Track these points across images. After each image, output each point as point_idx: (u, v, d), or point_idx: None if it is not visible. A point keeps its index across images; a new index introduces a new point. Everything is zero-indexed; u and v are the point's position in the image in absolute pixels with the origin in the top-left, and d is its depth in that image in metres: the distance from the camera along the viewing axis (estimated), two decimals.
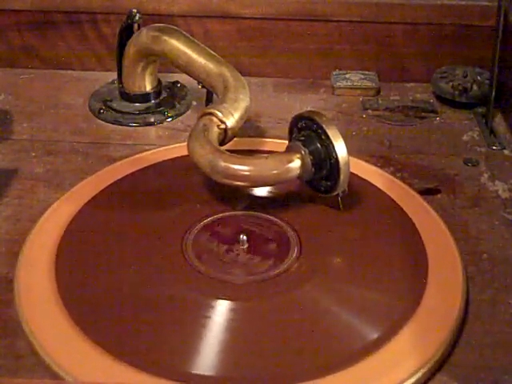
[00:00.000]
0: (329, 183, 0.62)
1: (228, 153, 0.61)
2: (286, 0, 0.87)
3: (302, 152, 0.61)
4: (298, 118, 0.64)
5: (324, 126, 0.61)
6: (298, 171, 0.61)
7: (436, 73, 0.86)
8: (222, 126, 0.65)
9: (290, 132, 0.65)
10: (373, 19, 0.87)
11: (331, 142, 0.61)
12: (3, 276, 0.58)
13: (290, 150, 0.63)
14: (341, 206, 0.63)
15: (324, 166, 0.62)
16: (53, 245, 0.59)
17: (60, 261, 0.58)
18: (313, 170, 0.62)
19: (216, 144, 0.63)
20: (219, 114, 0.65)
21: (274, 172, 0.61)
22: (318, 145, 0.61)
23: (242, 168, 0.60)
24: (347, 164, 0.61)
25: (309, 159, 0.61)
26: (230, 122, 0.65)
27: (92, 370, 0.49)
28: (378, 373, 0.49)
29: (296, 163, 0.61)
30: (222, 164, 0.60)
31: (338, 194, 0.63)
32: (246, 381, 0.49)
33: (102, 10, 0.88)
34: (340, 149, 0.61)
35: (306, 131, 0.63)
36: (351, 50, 0.89)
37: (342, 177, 0.61)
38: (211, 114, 0.65)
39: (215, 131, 0.64)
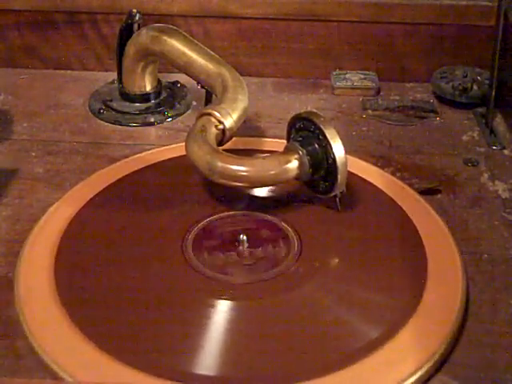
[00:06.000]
0: (327, 184, 0.62)
1: (226, 153, 0.61)
2: (286, 0, 0.87)
3: (300, 153, 0.61)
4: (296, 119, 0.64)
5: (322, 126, 0.61)
6: (296, 172, 0.61)
7: (436, 73, 0.86)
8: (220, 127, 0.65)
9: (288, 132, 0.65)
10: (373, 19, 0.87)
11: (329, 143, 0.61)
12: (3, 276, 0.58)
13: (287, 150, 0.63)
14: (339, 207, 0.63)
15: (322, 166, 0.62)
16: (53, 245, 0.59)
17: (60, 261, 0.58)
18: (310, 170, 0.62)
19: (214, 144, 0.63)
20: (217, 115, 0.65)
21: (272, 173, 0.61)
22: (316, 145, 0.61)
23: (240, 169, 0.60)
24: (345, 165, 0.61)
25: (306, 160, 0.61)
26: (228, 122, 0.65)
27: (92, 370, 0.49)
28: (379, 372, 0.49)
29: (293, 164, 0.61)
30: (220, 165, 0.60)
31: (335, 195, 0.63)
32: (246, 381, 0.49)
33: (102, 10, 0.88)
34: (337, 149, 0.60)
35: (303, 132, 0.63)
36: (351, 49, 0.89)
37: (339, 177, 0.61)
38: (209, 114, 0.65)
39: (213, 132, 0.64)
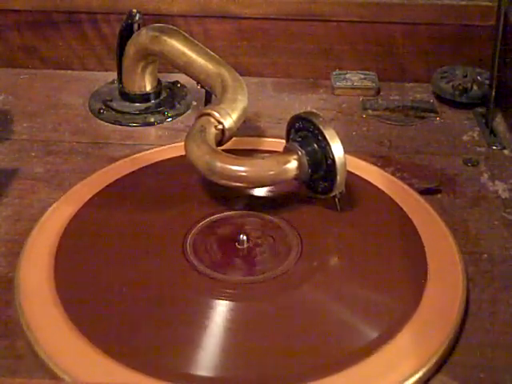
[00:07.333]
0: (326, 184, 0.62)
1: (225, 153, 0.61)
2: (286, 0, 0.87)
3: (299, 153, 0.61)
4: (296, 119, 0.64)
5: (321, 127, 0.61)
6: (295, 172, 0.61)
7: (436, 73, 0.86)
8: (220, 127, 0.65)
9: (288, 133, 0.65)
10: (373, 19, 0.87)
11: (328, 143, 0.61)
12: (3, 276, 0.58)
13: (286, 150, 0.63)
14: (338, 208, 0.63)
15: (321, 167, 0.61)
16: (53, 245, 0.59)
17: (60, 261, 0.58)
18: (309, 171, 0.62)
19: (213, 145, 0.63)
20: (217, 115, 0.65)
21: (271, 173, 0.61)
22: (315, 146, 0.61)
23: (239, 169, 0.60)
24: (344, 165, 0.61)
25: (305, 160, 0.61)
26: (228, 122, 0.65)
27: (91, 370, 0.49)
28: (379, 373, 0.49)
29: (293, 164, 0.61)
30: (219, 165, 0.60)
31: (335, 196, 0.62)
32: (246, 381, 0.49)
33: (102, 10, 0.88)
34: (337, 150, 0.60)
35: (303, 132, 0.63)
36: (351, 50, 0.89)
37: (338, 178, 0.61)
38: (209, 114, 0.65)
39: (213, 132, 0.64)
